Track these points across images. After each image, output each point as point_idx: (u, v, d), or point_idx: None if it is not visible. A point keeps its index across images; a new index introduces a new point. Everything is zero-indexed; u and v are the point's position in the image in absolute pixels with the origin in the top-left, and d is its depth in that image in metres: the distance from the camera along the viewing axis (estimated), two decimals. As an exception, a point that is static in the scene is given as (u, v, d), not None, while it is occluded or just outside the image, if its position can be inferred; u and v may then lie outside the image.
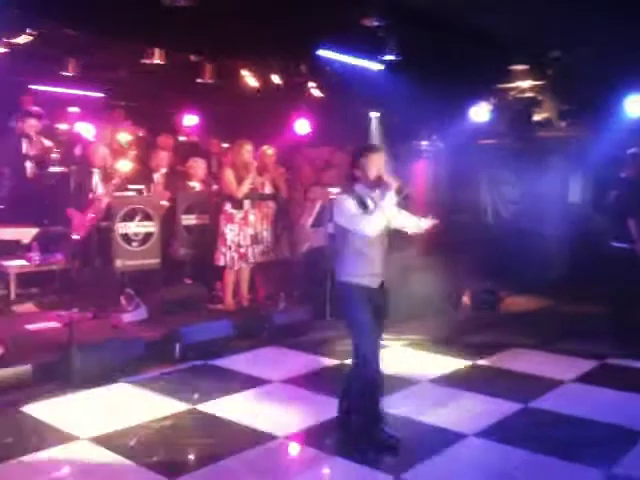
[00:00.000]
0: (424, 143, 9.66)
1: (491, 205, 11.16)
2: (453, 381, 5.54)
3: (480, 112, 7.99)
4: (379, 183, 4.01)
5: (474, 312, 8.43)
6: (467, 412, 4.81)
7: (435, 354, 6.34)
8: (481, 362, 6.12)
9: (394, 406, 4.81)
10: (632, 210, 6.44)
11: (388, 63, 7.37)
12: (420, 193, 10.18)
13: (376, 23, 6.45)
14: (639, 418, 4.69)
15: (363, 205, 4.01)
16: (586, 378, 5.72)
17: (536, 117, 7.70)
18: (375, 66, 7.57)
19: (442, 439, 4.27)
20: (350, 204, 3.99)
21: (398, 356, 6.28)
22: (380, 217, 3.91)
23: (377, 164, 4.05)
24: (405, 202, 4.08)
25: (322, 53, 7.18)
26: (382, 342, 4.21)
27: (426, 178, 10.35)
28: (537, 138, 8.30)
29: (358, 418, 4.12)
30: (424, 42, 6.92)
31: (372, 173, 4.02)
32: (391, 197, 3.92)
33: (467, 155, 10.50)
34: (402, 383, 5.36)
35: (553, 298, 9.24)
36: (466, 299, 8.69)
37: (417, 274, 7.78)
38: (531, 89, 7.19)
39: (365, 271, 4.05)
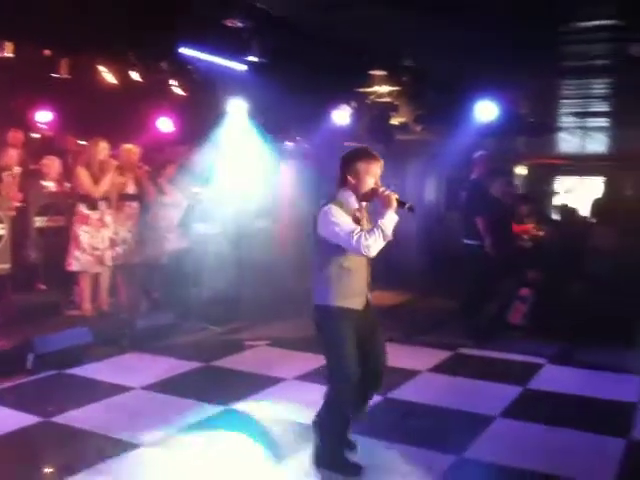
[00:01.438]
0: (290, 144, 9.76)
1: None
2: (315, 377, 5.62)
3: (342, 115, 8.21)
4: (372, 196, 3.58)
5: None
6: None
7: (298, 352, 6.42)
8: (344, 358, 6.28)
9: (258, 407, 4.85)
10: (480, 210, 6.90)
11: (252, 64, 7.37)
12: (287, 194, 10.29)
13: (240, 24, 6.44)
14: (489, 404, 5.03)
15: (354, 219, 3.56)
16: (441, 368, 6.06)
17: (393, 121, 8.02)
18: (239, 67, 7.55)
19: (304, 435, 4.33)
20: (343, 216, 3.50)
21: (261, 356, 6.32)
22: (381, 239, 3.43)
23: (375, 174, 3.59)
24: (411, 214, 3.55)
25: (184, 51, 7.05)
26: (380, 369, 3.85)
27: (292, 180, 10.47)
28: (395, 141, 8.65)
29: (325, 445, 3.79)
30: (287, 45, 7.00)
31: (368, 184, 3.57)
32: (392, 218, 3.47)
33: (332, 157, 10.73)
34: (266, 382, 5.40)
35: (412, 293, 9.69)
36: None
37: (278, 274, 7.86)
38: (389, 94, 7.48)
39: (350, 291, 3.62)
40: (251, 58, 7.15)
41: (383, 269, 10.13)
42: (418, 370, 5.88)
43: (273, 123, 9.25)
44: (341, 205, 3.56)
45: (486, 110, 8.12)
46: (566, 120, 9.80)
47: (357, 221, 3.56)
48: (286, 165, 10.02)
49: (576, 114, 9.09)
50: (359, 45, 6.41)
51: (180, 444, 4.21)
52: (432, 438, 4.36)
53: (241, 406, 4.88)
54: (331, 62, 7.18)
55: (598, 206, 8.90)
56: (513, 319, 7.35)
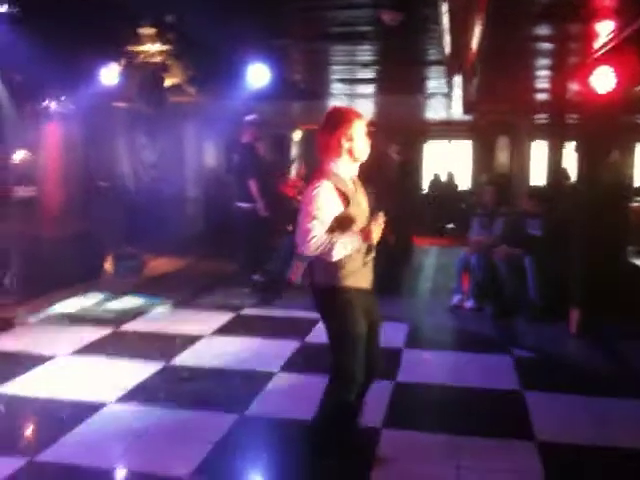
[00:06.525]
0: (53, 104, 9.00)
1: (131, 170, 11.06)
2: (94, 351, 5.39)
3: (110, 74, 7.73)
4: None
5: (118, 279, 8.32)
6: (108, 380, 4.74)
7: (75, 326, 6.10)
8: (123, 328, 6.08)
9: (27, 388, 4.54)
10: (251, 173, 6.99)
11: (3, 15, 6.63)
12: (54, 158, 9.56)
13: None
14: (269, 360, 5.19)
15: (347, 194, 3.11)
16: (223, 330, 6.12)
17: (167, 82, 7.73)
18: (-13, 16, 6.74)
19: (81, 412, 4.12)
20: (327, 205, 3.04)
21: (33, 334, 5.89)
22: (333, 253, 3.01)
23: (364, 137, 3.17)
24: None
25: None
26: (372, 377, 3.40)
27: (59, 142, 9.73)
28: (170, 103, 8.38)
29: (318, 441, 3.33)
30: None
31: (365, 145, 3.17)
32: (355, 245, 3.07)
33: (103, 119, 10.16)
34: (36, 361, 5.04)
35: (193, 257, 9.64)
36: (108, 266, 8.52)
37: (49, 244, 7.37)
38: (159, 53, 7.17)
39: (357, 268, 3.16)
40: (1, 8, 6.44)
41: (165, 235, 9.96)
42: (200, 334, 5.88)
43: (34, 81, 8.47)
44: (337, 180, 3.12)
45: (258, 74, 8.17)
46: (335, 86, 10.18)
47: (347, 198, 3.12)
48: (50, 127, 9.28)
49: (344, 80, 9.47)
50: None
51: None
52: (214, 400, 4.39)
53: (9, 388, 4.50)
54: (96, 17, 6.71)
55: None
56: (293, 277, 7.61)
